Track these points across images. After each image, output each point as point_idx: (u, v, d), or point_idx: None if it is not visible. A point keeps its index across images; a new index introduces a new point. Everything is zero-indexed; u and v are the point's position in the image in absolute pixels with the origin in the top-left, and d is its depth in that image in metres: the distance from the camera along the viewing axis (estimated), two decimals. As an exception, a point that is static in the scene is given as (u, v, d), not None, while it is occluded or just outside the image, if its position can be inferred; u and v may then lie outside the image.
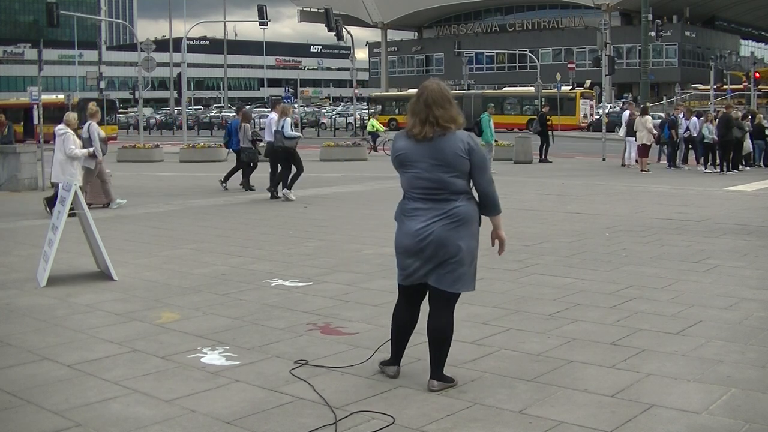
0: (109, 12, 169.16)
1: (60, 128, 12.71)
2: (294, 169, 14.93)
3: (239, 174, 17.21)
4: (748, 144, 22.24)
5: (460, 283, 4.57)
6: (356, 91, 46.24)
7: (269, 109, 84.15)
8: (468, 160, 4.48)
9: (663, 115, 26.52)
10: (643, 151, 21.57)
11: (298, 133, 15.28)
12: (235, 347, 5.52)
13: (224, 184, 17.25)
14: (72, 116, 13.18)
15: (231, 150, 18.49)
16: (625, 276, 7.73)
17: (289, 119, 14.83)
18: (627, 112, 24.44)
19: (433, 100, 4.50)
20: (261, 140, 17.24)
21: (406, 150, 4.57)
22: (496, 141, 22.44)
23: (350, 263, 8.58)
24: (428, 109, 4.49)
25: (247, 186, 16.84)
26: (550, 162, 25.30)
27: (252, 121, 19.59)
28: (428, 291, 4.69)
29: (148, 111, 70.09)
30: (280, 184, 15.00)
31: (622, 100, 40.08)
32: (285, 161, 14.91)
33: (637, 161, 21.91)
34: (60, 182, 12.33)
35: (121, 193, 14.65)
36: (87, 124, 13.56)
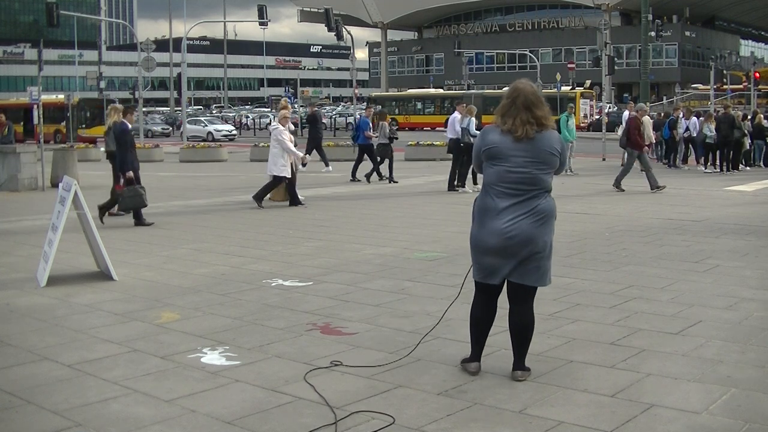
0: (109, 12, 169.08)
1: (273, 125, 14.08)
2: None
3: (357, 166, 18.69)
4: (745, 144, 22.24)
5: (545, 276, 4.76)
6: (356, 91, 46.14)
7: (269, 109, 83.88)
8: (558, 158, 4.72)
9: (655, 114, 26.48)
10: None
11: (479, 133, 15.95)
12: (235, 347, 5.52)
13: (355, 179, 18.46)
14: (283, 112, 14.14)
15: (356, 144, 19.63)
16: (625, 276, 7.73)
17: (474, 119, 15.79)
18: (627, 112, 24.43)
19: (531, 102, 4.65)
20: (397, 138, 18.66)
21: (499, 144, 4.66)
22: (571, 141, 20.00)
23: (350, 263, 8.58)
24: (528, 112, 4.62)
25: (380, 176, 18.40)
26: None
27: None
28: (508, 287, 4.79)
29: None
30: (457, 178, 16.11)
31: (604, 103, 40.27)
32: (461, 157, 15.78)
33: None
34: (273, 174, 13.49)
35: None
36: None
